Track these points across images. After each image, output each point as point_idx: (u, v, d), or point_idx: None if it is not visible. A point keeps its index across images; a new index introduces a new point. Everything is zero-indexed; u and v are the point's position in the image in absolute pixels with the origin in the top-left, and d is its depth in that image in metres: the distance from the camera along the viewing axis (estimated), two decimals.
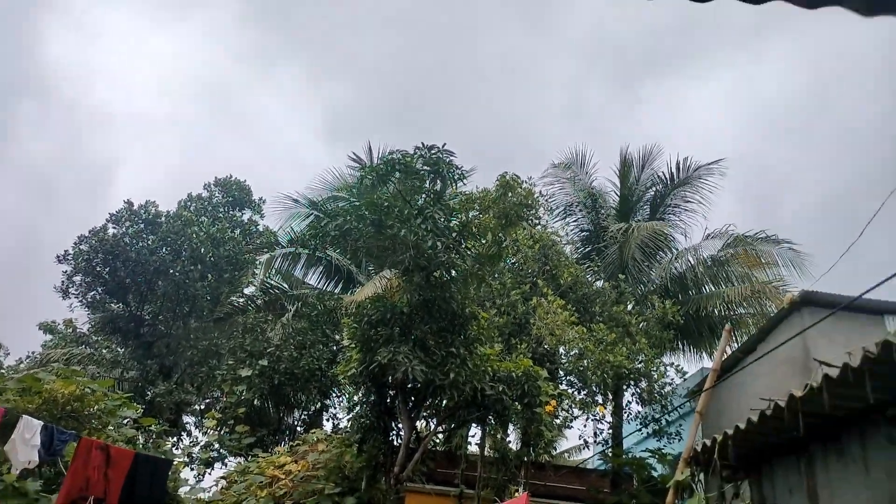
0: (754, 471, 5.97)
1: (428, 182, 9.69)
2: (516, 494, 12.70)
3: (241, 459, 12.85)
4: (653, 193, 20.23)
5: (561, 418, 15.37)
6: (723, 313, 17.12)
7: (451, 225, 9.80)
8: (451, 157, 9.51)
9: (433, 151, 9.34)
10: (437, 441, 15.21)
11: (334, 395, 15.37)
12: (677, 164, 19.53)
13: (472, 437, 15.97)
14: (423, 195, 9.56)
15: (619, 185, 20.46)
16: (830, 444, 5.02)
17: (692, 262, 18.25)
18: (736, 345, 15.47)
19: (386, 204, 8.95)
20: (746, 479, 6.01)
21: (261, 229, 18.13)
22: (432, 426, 12.59)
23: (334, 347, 14.34)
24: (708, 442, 5.82)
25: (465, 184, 10.17)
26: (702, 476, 8.42)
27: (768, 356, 11.35)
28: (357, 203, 9.74)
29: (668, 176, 19.70)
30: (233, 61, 68.25)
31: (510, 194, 10.55)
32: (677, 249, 19.14)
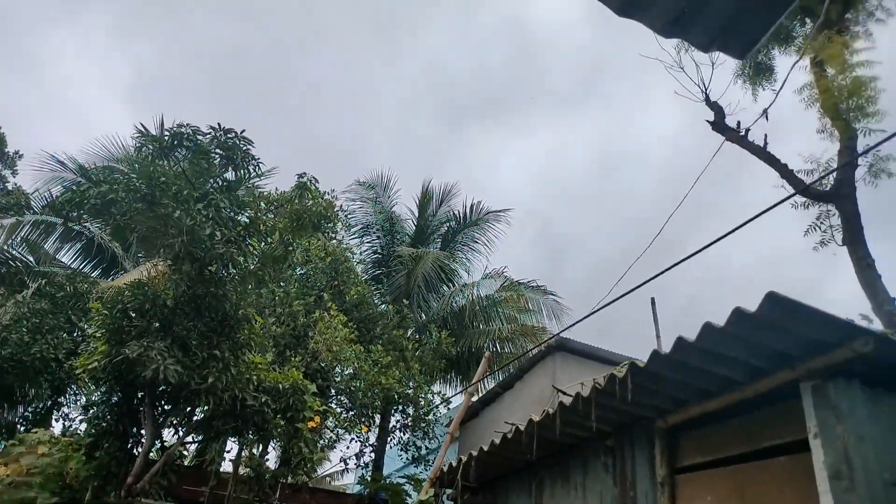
0: (491, 492, 6.32)
1: (218, 168, 9.02)
2: None
3: None
4: (446, 229, 21.24)
5: (326, 439, 15.09)
6: (491, 349, 18.32)
7: (238, 219, 9.20)
8: (249, 147, 8.98)
9: (230, 135, 8.74)
10: (186, 454, 13.98)
11: (71, 392, 13.42)
12: (471, 205, 20.83)
13: (228, 451, 14.98)
14: (211, 180, 8.86)
15: (417, 214, 21.18)
16: (558, 470, 5.49)
17: (471, 299, 19.35)
18: (498, 378, 16.60)
19: (163, 179, 8.11)
20: (483, 499, 6.34)
21: (10, 188, 15.46)
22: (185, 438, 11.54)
23: (78, 337, 12.57)
24: (454, 463, 6.05)
25: (259, 179, 9.65)
26: (445, 498, 8.74)
27: (523, 392, 12.33)
28: (130, 174, 8.72)
29: (461, 214, 20.89)
30: None
31: (307, 196, 10.23)
32: (459, 284, 20.23)
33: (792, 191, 8.68)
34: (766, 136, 9.16)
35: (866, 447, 3.29)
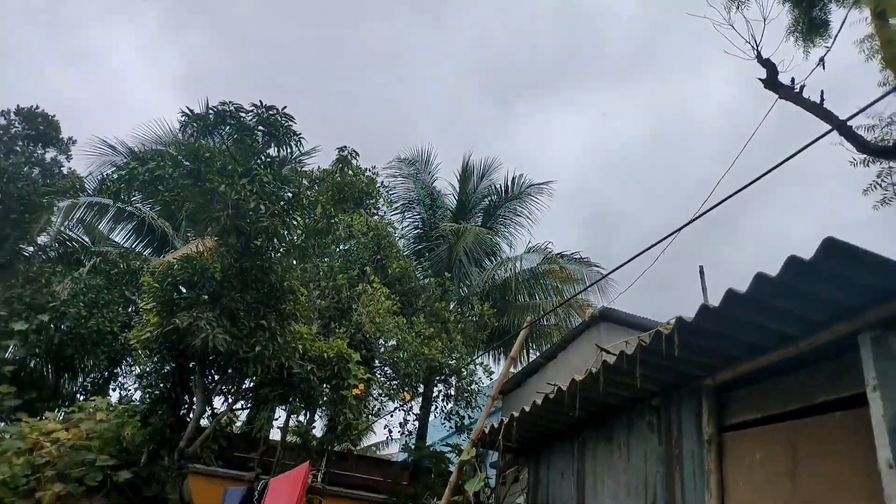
0: (534, 454, 6.30)
1: (261, 144, 9.13)
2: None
3: (1, 424, 11.20)
4: (487, 203, 21.12)
5: (370, 406, 15.35)
6: (535, 324, 18.23)
7: (281, 193, 9.31)
8: (291, 123, 9.05)
9: (271, 112, 8.82)
10: (236, 422, 14.43)
11: (126, 363, 13.96)
12: (513, 178, 20.64)
13: (277, 419, 15.39)
14: (254, 156, 8.98)
15: (458, 189, 21.10)
16: (601, 430, 5.42)
17: (514, 272, 19.24)
18: (542, 349, 16.51)
19: (208, 155, 8.25)
20: (526, 461, 6.33)
21: (65, 172, 16.03)
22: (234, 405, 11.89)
23: (132, 311, 13.02)
24: (495, 424, 6.04)
25: (302, 156, 9.73)
26: (489, 464, 8.79)
27: (567, 362, 12.23)
28: (176, 153, 8.90)
29: (502, 188, 20.72)
30: None
31: (348, 170, 10.28)
32: (502, 258, 20.14)
33: (853, 148, 8.26)
34: (822, 91, 8.69)
35: None
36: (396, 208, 20.03)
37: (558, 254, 19.62)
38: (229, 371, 9.85)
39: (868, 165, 8.84)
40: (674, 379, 4.62)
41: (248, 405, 12.30)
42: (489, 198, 21.12)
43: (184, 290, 9.34)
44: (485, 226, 20.81)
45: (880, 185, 8.58)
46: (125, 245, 16.10)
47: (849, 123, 8.61)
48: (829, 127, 8.98)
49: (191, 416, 9.95)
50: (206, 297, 9.17)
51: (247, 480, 13.05)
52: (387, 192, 18.10)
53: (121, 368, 14.30)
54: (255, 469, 14.05)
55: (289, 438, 13.65)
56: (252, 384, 10.34)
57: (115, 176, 8.75)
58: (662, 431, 4.73)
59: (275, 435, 15.06)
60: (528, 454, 6.34)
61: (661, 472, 4.65)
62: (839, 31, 7.99)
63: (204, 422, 10.08)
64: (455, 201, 21.15)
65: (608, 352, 4.97)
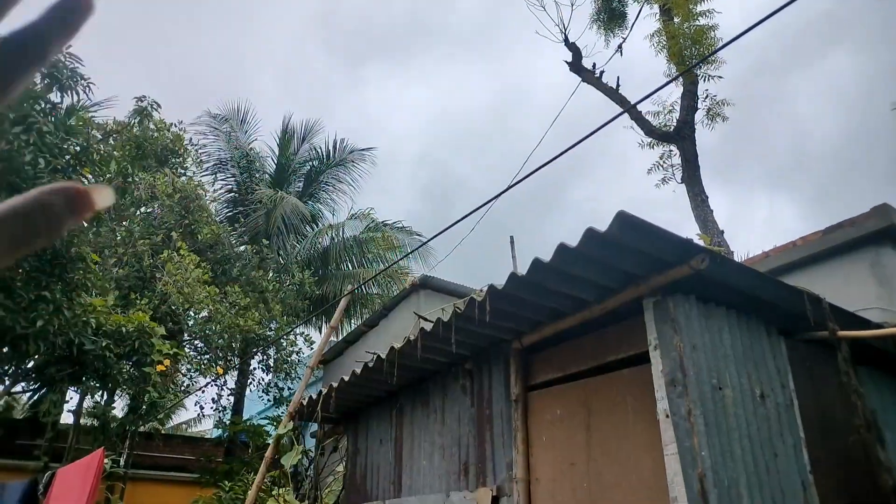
0: (353, 423, 6.30)
1: (41, 87, 7.89)
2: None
3: None
4: (309, 168, 20.48)
5: (179, 384, 14.33)
6: (357, 291, 18.20)
7: (66, 146, 8.15)
8: (78, 65, 7.92)
9: None
10: (16, 406, 12.69)
11: None
12: (335, 143, 20.18)
13: (68, 401, 13.79)
14: (31, 101, 7.74)
15: (277, 152, 20.17)
16: (418, 396, 5.55)
17: (336, 240, 18.97)
18: (362, 318, 16.55)
19: None
20: (345, 431, 6.31)
21: None
22: (13, 387, 10.37)
23: None
24: (314, 395, 5.93)
25: (90, 100, 8.58)
26: (309, 430, 8.66)
27: (388, 330, 12.38)
28: None
29: (324, 154, 20.19)
30: None
31: (148, 123, 9.28)
32: (324, 225, 19.73)
33: (641, 132, 9.19)
34: (618, 78, 9.59)
35: (699, 356, 3.58)
36: (207, 169, 18.62)
37: (382, 222, 19.69)
38: (4, 350, 8.56)
39: (653, 148, 9.96)
40: (485, 343, 4.84)
41: (32, 387, 10.84)
42: (311, 162, 20.49)
43: None
44: (306, 192, 20.19)
45: (661, 167, 9.71)
46: None
47: (639, 109, 9.60)
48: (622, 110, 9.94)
49: None
50: None
51: (36, 472, 11.59)
52: (196, 150, 16.72)
53: None
54: (40, 458, 12.54)
55: (85, 422, 12.33)
56: (36, 363, 9.11)
57: None
58: (475, 393, 4.96)
59: (68, 419, 13.51)
60: (347, 423, 6.32)
61: (472, 432, 4.88)
62: (634, 22, 8.79)
63: None
64: (274, 164, 20.22)
65: (426, 319, 5.06)
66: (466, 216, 4.56)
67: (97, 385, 10.44)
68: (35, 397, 14.22)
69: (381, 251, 19.02)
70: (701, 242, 4.30)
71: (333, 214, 20.48)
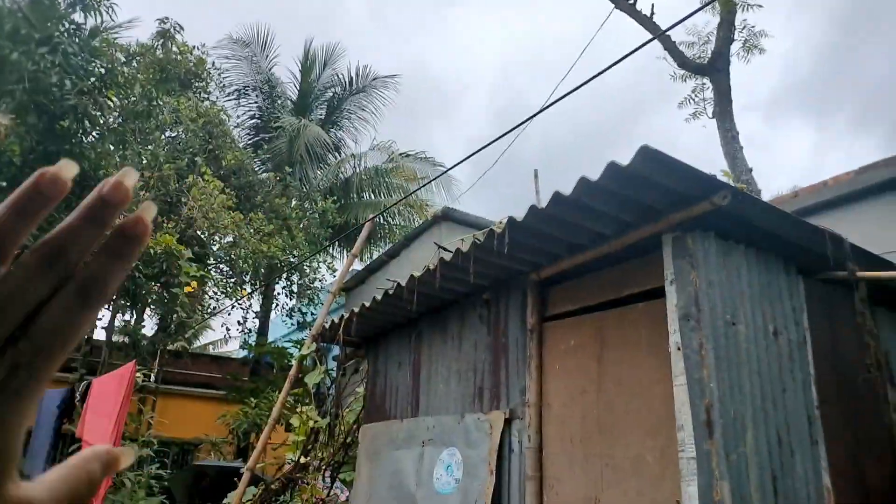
0: (373, 347, 6.52)
1: (64, 7, 7.83)
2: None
3: None
4: (331, 94, 20.24)
5: (206, 305, 14.80)
6: (378, 220, 18.34)
7: (91, 68, 8.15)
8: None
9: None
10: None
11: None
12: (357, 70, 19.85)
13: (100, 319, 14.36)
14: (56, 21, 7.70)
15: (299, 78, 19.92)
16: (436, 323, 5.70)
17: (358, 170, 18.97)
18: (385, 247, 16.73)
19: None
20: (366, 354, 6.54)
21: None
22: None
23: None
24: (336, 319, 6.12)
25: (114, 21, 8.50)
26: (332, 353, 8.97)
27: (409, 260, 12.54)
28: None
29: (346, 80, 19.89)
30: None
31: (172, 45, 9.20)
32: (346, 154, 19.70)
33: (674, 63, 8.90)
34: (653, 5, 9.19)
35: (714, 292, 3.61)
36: (230, 94, 18.53)
37: (403, 153, 19.58)
38: None
39: (685, 81, 9.66)
40: (503, 274, 4.91)
41: None
42: (333, 89, 20.24)
43: None
44: (329, 119, 20.05)
45: (693, 100, 9.44)
46: None
47: (673, 39, 9.25)
48: (657, 41, 9.58)
49: None
50: (5, 183, 8.02)
51: (69, 382, 12.22)
52: (219, 74, 16.60)
53: None
54: (78, 370, 13.17)
55: (116, 339, 12.86)
56: None
57: None
58: (491, 322, 5.08)
59: (100, 336, 14.11)
60: (367, 347, 6.54)
61: (488, 359, 5.03)
62: None
63: None
64: (297, 91, 20.02)
65: (446, 249, 5.14)
66: (486, 146, 4.54)
67: (127, 304, 10.84)
68: None
69: (402, 182, 19.03)
70: (726, 179, 4.25)
71: (356, 143, 20.40)
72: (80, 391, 8.31)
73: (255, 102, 18.94)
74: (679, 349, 3.54)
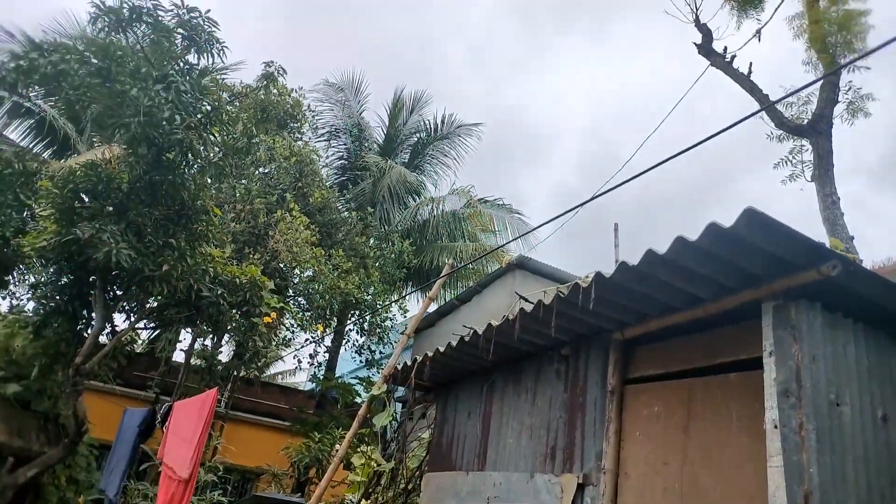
0: (443, 393, 6.43)
1: (180, 49, 8.45)
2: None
3: None
4: (416, 139, 20.79)
5: (281, 337, 15.18)
6: (454, 264, 18.41)
7: (199, 105, 8.71)
8: (214, 29, 8.40)
9: (193, 14, 8.14)
10: (137, 341, 13.91)
11: (19, 270, 13.00)
12: (443, 117, 20.37)
13: (181, 342, 14.96)
14: (171, 61, 8.31)
15: (387, 122, 20.60)
16: (510, 374, 5.56)
17: (436, 213, 19.22)
18: (457, 291, 16.73)
19: (119, 53, 7.54)
20: (435, 399, 6.45)
21: None
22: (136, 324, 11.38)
23: (27, 216, 12.04)
24: (409, 362, 6.09)
25: (223, 63, 9.09)
26: (396, 394, 8.93)
27: (480, 306, 12.47)
28: (83, 49, 8.07)
29: (432, 126, 20.42)
30: None
31: (273, 87, 9.73)
32: (425, 197, 20.04)
33: (771, 123, 8.61)
34: (750, 63, 8.98)
35: (818, 368, 3.35)
36: (322, 135, 19.37)
37: (481, 199, 19.73)
38: (133, 288, 9.38)
39: (781, 141, 9.30)
40: (585, 330, 4.76)
41: (152, 325, 11.82)
42: (418, 134, 20.79)
43: (86, 199, 8.71)
44: (412, 163, 20.53)
45: (790, 162, 9.05)
46: (21, 143, 14.75)
47: (770, 98, 8.97)
48: (752, 99, 9.32)
49: (89, 331, 9.45)
50: (112, 208, 8.59)
51: (147, 401, 12.70)
52: (313, 116, 17.41)
53: (12, 276, 13.32)
54: (154, 389, 13.67)
55: (194, 362, 13.32)
56: (157, 304, 9.92)
57: (13, 65, 7.87)
58: (569, 379, 4.91)
59: (178, 357, 14.67)
60: (437, 392, 6.47)
61: (563, 417, 4.85)
62: (779, 4, 8.16)
63: (103, 338, 9.62)
64: (384, 134, 20.68)
65: (526, 299, 5.06)
66: (576, 208, 4.47)
67: (209, 329, 11.24)
68: (153, 335, 15.46)
69: (477, 230, 19.14)
70: (833, 247, 3.99)
71: (436, 187, 20.76)
72: (162, 412, 8.61)
73: (344, 144, 19.70)
74: (776, 427, 3.28)
